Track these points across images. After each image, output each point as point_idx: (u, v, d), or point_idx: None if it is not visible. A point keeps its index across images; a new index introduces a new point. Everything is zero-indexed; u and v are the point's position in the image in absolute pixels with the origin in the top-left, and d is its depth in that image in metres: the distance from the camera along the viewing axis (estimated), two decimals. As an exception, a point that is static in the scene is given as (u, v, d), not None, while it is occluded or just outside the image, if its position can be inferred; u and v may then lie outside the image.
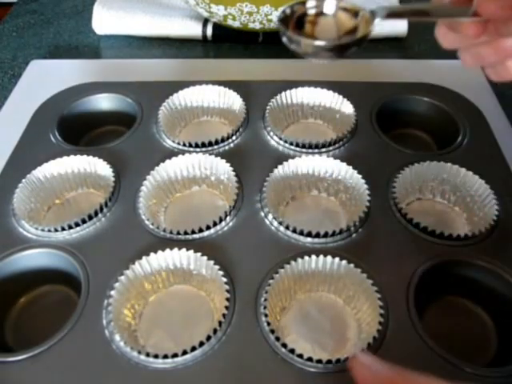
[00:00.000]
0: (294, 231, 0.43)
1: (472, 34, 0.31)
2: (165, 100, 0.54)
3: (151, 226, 0.44)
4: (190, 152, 0.50)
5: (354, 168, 0.47)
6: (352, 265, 0.39)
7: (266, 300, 0.38)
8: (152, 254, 0.40)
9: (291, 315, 0.40)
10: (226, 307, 0.38)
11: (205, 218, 0.44)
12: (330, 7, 0.35)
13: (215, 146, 0.51)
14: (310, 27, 0.36)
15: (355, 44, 0.34)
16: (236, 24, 0.64)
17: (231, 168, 0.47)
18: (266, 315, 0.37)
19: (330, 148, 0.51)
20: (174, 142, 0.51)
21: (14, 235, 0.44)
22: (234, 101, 0.55)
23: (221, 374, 0.36)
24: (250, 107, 0.55)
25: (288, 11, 0.35)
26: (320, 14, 0.36)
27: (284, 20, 0.35)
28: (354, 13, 0.35)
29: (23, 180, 0.46)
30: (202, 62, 0.68)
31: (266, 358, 0.36)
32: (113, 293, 0.38)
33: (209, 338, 0.36)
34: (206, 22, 0.70)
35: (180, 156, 0.48)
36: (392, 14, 0.34)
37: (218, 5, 0.60)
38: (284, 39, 0.35)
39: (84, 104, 0.57)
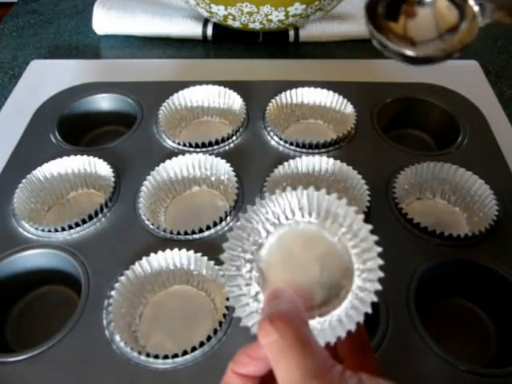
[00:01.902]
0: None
1: None
2: (165, 100, 0.54)
3: (151, 226, 0.44)
4: (190, 152, 0.50)
5: (354, 168, 0.47)
6: None
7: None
8: (152, 255, 0.40)
9: None
10: (227, 307, 0.38)
11: (205, 218, 0.44)
12: None
13: (215, 147, 0.51)
14: (404, 20, 0.29)
15: (458, 51, 0.28)
16: (236, 24, 0.64)
17: (231, 168, 0.47)
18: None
19: (330, 148, 0.51)
20: (174, 142, 0.51)
21: (15, 235, 0.44)
22: (234, 101, 0.55)
23: (221, 374, 0.35)
24: (250, 107, 0.55)
25: None
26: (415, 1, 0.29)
27: (372, 6, 0.29)
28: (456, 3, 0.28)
29: (23, 180, 0.46)
30: (202, 62, 0.68)
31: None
32: (113, 293, 0.38)
33: (209, 338, 0.36)
34: (206, 22, 0.70)
35: (180, 156, 0.48)
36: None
37: (219, 5, 0.60)
38: (370, 33, 0.29)
39: (84, 104, 0.57)
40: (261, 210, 0.29)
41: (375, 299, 0.25)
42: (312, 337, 0.23)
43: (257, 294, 0.28)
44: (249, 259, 0.29)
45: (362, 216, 0.27)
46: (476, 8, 0.28)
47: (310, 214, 0.30)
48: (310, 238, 0.29)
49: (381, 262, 0.26)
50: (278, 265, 0.28)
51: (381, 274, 0.26)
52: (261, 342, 0.23)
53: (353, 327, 0.25)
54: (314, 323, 0.26)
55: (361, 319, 0.25)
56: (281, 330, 0.23)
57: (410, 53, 0.28)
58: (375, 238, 0.27)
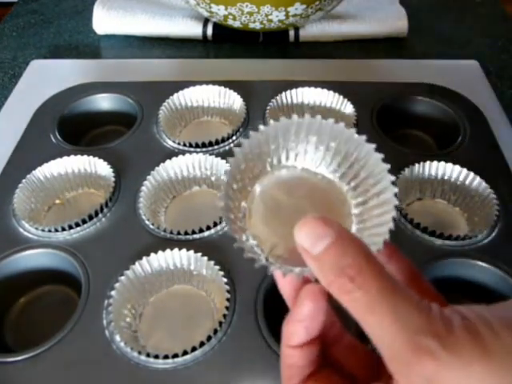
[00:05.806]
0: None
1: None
2: (165, 100, 0.54)
3: (151, 226, 0.44)
4: (190, 152, 0.50)
5: (355, 168, 0.46)
6: None
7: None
8: (152, 254, 0.40)
9: None
10: (227, 307, 0.38)
11: (205, 218, 0.44)
12: None
13: (215, 146, 0.51)
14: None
15: None
16: (236, 24, 0.64)
17: (231, 168, 0.47)
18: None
19: (330, 148, 0.51)
20: (174, 142, 0.51)
21: (15, 235, 0.44)
22: (234, 101, 0.55)
23: (221, 374, 0.36)
24: (251, 107, 0.55)
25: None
26: None
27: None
28: None
29: (23, 180, 0.46)
30: (202, 62, 0.68)
31: (267, 358, 0.36)
32: (113, 293, 0.38)
33: (209, 338, 0.36)
34: (206, 21, 0.70)
35: (180, 156, 0.48)
36: None
37: (219, 5, 0.60)
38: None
39: (84, 104, 0.57)
40: (232, 185, 0.28)
41: (396, 189, 0.24)
42: (394, 278, 0.20)
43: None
44: (241, 227, 0.28)
45: (335, 124, 0.26)
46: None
47: (279, 161, 0.28)
48: (287, 185, 0.29)
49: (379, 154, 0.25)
50: (269, 224, 0.27)
51: (389, 172, 0.25)
52: (340, 300, 0.20)
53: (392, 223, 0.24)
54: None
55: (394, 214, 0.24)
56: (364, 285, 0.19)
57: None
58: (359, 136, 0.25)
